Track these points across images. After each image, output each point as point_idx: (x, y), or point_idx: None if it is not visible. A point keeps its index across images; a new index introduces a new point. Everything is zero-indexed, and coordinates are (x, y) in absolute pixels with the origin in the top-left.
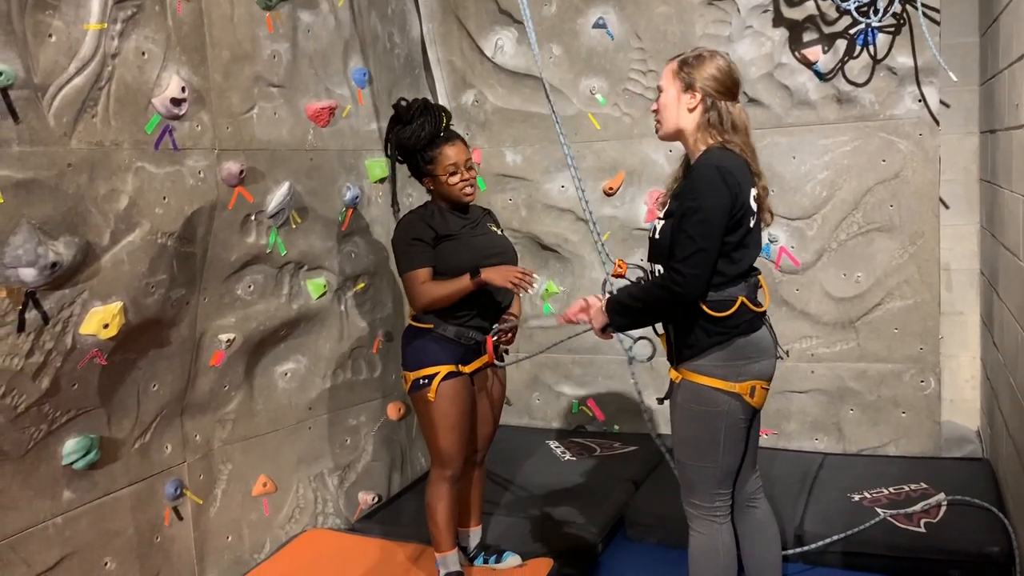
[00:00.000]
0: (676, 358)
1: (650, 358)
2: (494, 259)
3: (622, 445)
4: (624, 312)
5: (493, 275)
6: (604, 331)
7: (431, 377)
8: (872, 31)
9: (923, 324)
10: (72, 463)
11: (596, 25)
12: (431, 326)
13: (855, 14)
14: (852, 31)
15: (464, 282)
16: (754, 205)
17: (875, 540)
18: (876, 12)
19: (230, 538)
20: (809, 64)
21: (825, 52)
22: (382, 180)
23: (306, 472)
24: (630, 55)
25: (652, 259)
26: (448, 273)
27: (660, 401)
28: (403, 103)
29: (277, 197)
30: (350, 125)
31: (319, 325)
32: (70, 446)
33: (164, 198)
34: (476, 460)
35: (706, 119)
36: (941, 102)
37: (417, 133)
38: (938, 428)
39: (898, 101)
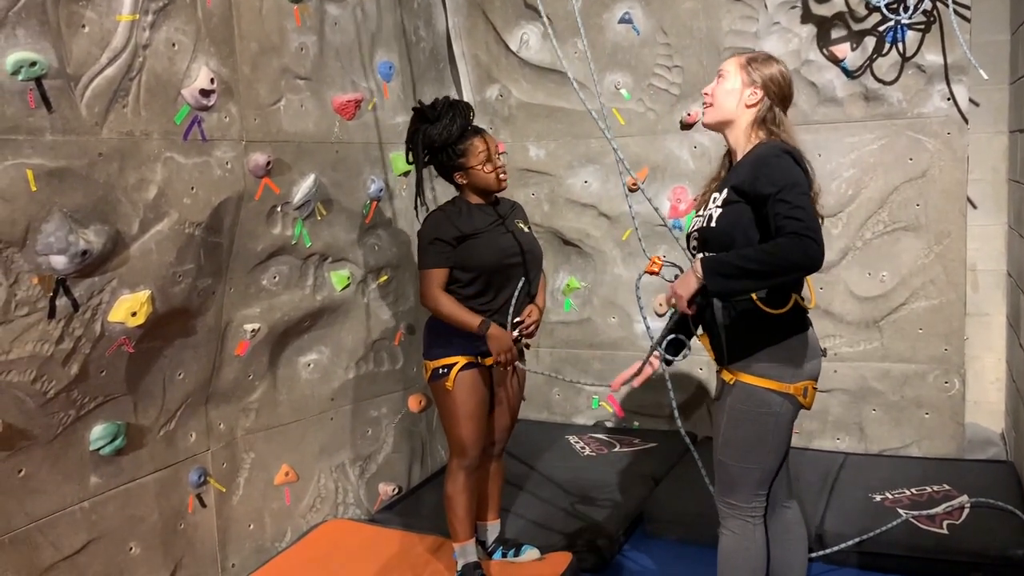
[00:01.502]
0: (727, 358)
1: (684, 356)
2: (516, 260)
3: (642, 441)
4: (734, 274)
5: (492, 341)
6: (691, 304)
7: (450, 367)
8: (902, 28)
9: (948, 325)
10: (99, 449)
11: (622, 20)
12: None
13: (885, 11)
14: (881, 28)
15: (471, 325)
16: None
17: (897, 541)
18: (906, 9)
19: (252, 526)
20: (837, 61)
21: (853, 49)
22: (406, 174)
23: (328, 462)
24: (656, 50)
25: (703, 249)
26: (470, 270)
27: (715, 400)
28: (423, 104)
29: (303, 189)
30: (376, 118)
31: (342, 317)
32: (97, 432)
33: (192, 188)
34: (494, 452)
35: (761, 117)
36: (971, 100)
37: (448, 128)
38: (962, 430)
39: (927, 99)
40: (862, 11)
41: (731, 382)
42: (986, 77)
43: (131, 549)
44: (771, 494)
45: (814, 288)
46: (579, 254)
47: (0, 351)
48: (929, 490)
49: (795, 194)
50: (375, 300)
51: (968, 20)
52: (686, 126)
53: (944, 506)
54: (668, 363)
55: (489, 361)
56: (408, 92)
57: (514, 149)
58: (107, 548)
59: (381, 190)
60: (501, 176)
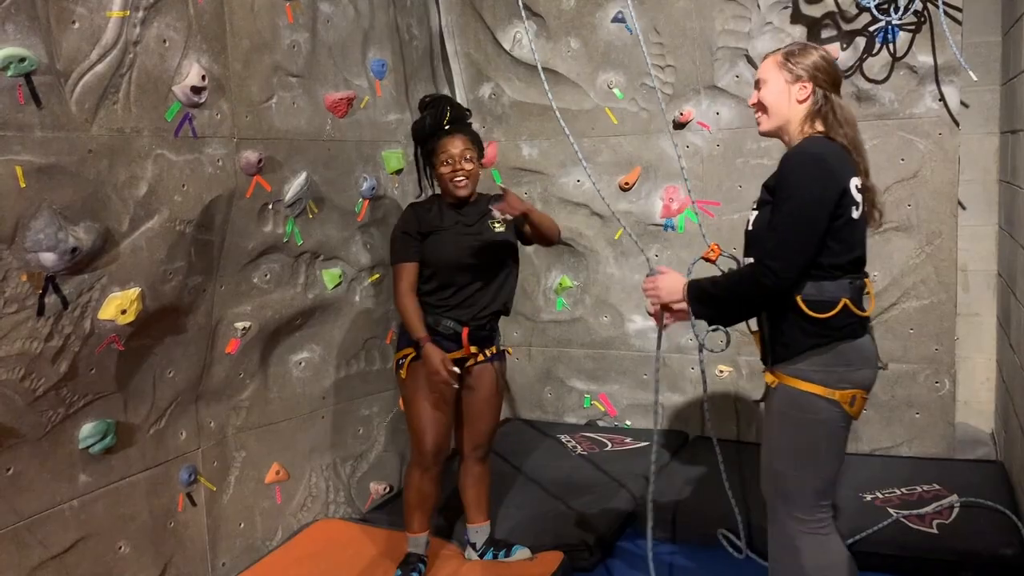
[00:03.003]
0: (771, 358)
1: (722, 350)
2: (475, 261)
3: (633, 440)
4: (706, 300)
5: (424, 359)
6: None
7: (406, 357)
8: (892, 29)
9: (939, 325)
10: (89, 447)
11: (615, 19)
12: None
13: (875, 11)
14: (872, 28)
15: (418, 334)
16: (857, 196)
17: (887, 540)
18: (897, 10)
19: (242, 525)
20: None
21: (844, 49)
22: (398, 172)
23: (319, 461)
24: (649, 49)
25: (747, 252)
26: (430, 266)
27: (758, 404)
28: (426, 96)
29: (294, 187)
30: (368, 116)
31: (334, 315)
32: (87, 430)
33: (183, 185)
34: (476, 456)
35: (815, 109)
36: (961, 102)
37: (421, 123)
38: (952, 429)
39: (918, 100)
40: (852, 11)
41: (774, 384)
42: (976, 79)
43: (120, 548)
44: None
45: None
46: (571, 253)
47: None
48: (919, 489)
49: (784, 211)
50: (367, 299)
51: (959, 22)
52: (679, 125)
53: (934, 506)
54: (701, 350)
55: (452, 356)
56: (401, 90)
57: (507, 148)
58: (96, 547)
59: (373, 188)
60: (457, 180)
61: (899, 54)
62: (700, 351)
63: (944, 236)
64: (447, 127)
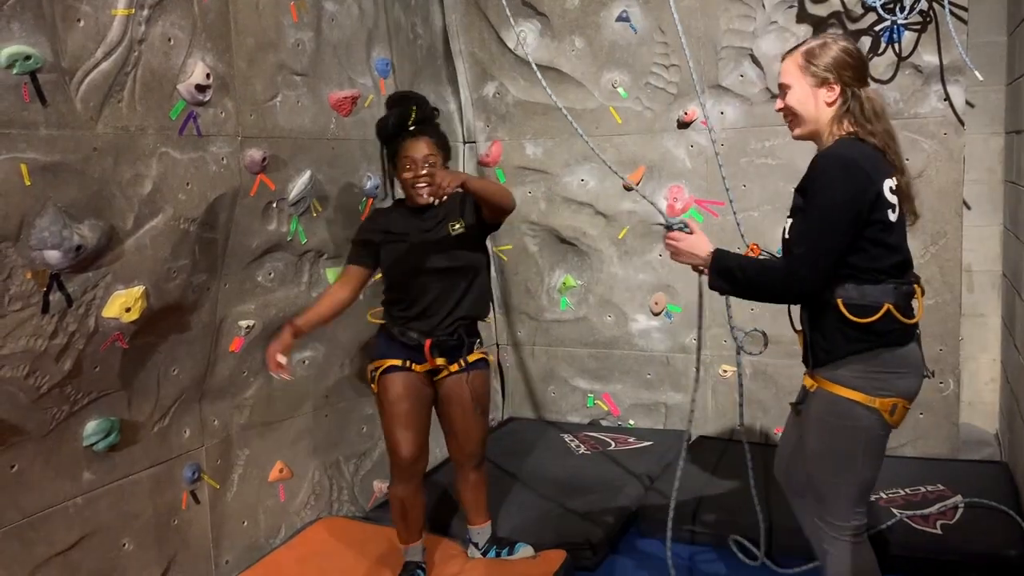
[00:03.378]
0: (811, 361)
1: (760, 352)
2: (430, 269)
3: (637, 440)
4: (725, 275)
5: (271, 344)
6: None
7: (378, 369)
8: (898, 28)
9: (943, 325)
10: (93, 444)
11: (619, 18)
12: (383, 322)
13: (881, 11)
14: (877, 28)
15: (294, 319)
16: (892, 197)
17: (891, 541)
18: (902, 9)
19: (246, 523)
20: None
21: None
22: None
23: (322, 459)
24: (653, 49)
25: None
26: (388, 277)
27: (793, 407)
28: (396, 92)
29: (298, 185)
30: (372, 115)
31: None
32: (91, 428)
33: (187, 184)
34: (470, 465)
35: (845, 109)
36: (967, 102)
37: (384, 121)
38: (956, 430)
39: (923, 100)
40: (858, 11)
41: (812, 389)
42: (981, 78)
43: (124, 545)
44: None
45: None
46: (575, 252)
47: None
48: (923, 490)
49: (810, 217)
50: (370, 297)
51: (965, 21)
52: (683, 125)
53: (938, 506)
54: (739, 352)
55: (420, 368)
56: (405, 89)
57: (511, 147)
58: (100, 544)
59: (377, 187)
60: (418, 186)
61: (904, 54)
62: (738, 353)
63: (949, 236)
64: (411, 128)
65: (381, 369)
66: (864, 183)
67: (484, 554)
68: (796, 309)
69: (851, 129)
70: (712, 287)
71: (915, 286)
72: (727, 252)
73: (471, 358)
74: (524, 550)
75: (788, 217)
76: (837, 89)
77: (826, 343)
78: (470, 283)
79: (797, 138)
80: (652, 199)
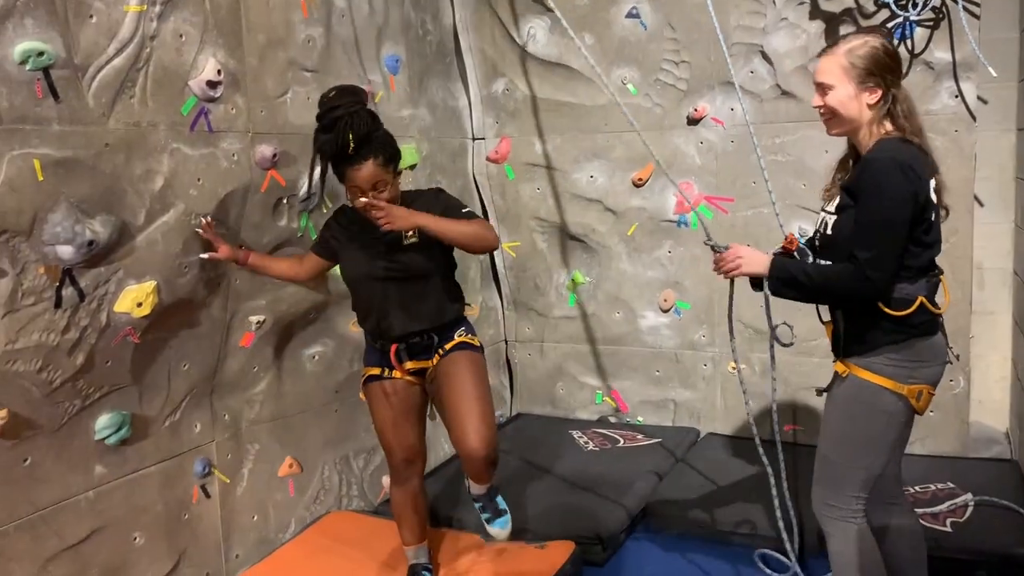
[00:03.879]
0: (843, 351)
1: (791, 343)
2: (382, 277)
3: (645, 437)
4: (790, 282)
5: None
6: (754, 285)
7: (362, 379)
8: (910, 25)
9: (954, 323)
10: (104, 438)
11: (629, 15)
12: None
13: (894, 7)
14: (890, 24)
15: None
16: (934, 197)
17: None
18: (915, 6)
19: (256, 517)
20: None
21: None
22: (412, 166)
23: (332, 454)
24: (663, 45)
25: (823, 255)
26: (346, 283)
27: (819, 393)
28: (329, 96)
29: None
30: (382, 111)
31: (347, 309)
32: (103, 422)
33: (198, 179)
34: (476, 468)
35: (886, 109)
36: (979, 98)
37: (323, 147)
38: (966, 428)
39: (934, 96)
40: (870, 7)
41: (844, 375)
42: (995, 74)
43: (135, 539)
44: (883, 492)
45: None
46: (584, 249)
47: (7, 340)
48: (933, 488)
49: (875, 219)
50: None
51: (977, 17)
52: (693, 121)
53: (948, 504)
54: (773, 344)
55: (397, 374)
56: (415, 85)
57: (520, 143)
58: (112, 538)
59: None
60: (371, 215)
61: (917, 50)
62: (772, 347)
63: (960, 233)
64: (351, 154)
65: (364, 378)
66: (918, 186)
67: (478, 509)
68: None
69: (890, 128)
70: (776, 294)
71: (940, 278)
72: (784, 259)
73: (449, 345)
74: (500, 528)
75: (829, 213)
76: (880, 91)
77: (861, 334)
78: (424, 291)
79: (833, 135)
80: (663, 196)
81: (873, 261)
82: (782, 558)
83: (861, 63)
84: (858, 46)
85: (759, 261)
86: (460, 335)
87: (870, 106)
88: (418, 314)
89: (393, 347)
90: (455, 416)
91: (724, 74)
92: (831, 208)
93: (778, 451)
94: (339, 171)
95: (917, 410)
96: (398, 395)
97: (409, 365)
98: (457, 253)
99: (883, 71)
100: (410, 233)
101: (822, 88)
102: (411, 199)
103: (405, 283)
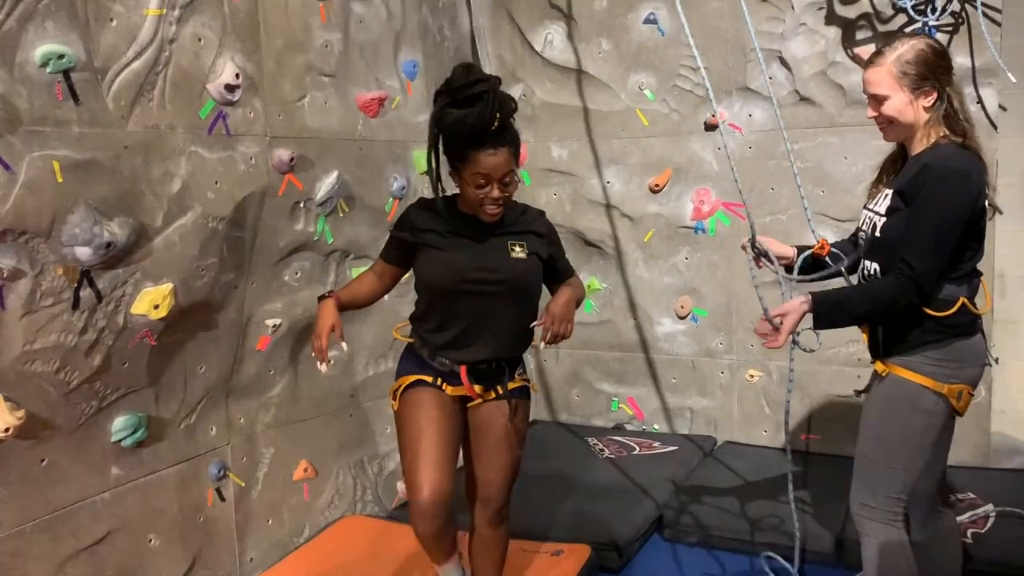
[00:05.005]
0: (883, 351)
1: (815, 350)
2: (475, 291)
3: (662, 445)
4: (836, 314)
5: (318, 317)
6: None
7: (400, 387)
8: (929, 30)
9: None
10: (121, 440)
11: (647, 20)
12: (412, 340)
13: (912, 12)
14: (908, 30)
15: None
16: (986, 203)
17: None
18: (934, 11)
19: (270, 521)
20: (863, 63)
21: None
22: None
23: (346, 459)
24: (681, 51)
25: (870, 256)
26: (421, 290)
27: (858, 394)
28: (463, 70)
29: (326, 185)
30: (399, 116)
31: (363, 313)
32: (119, 423)
33: (216, 182)
34: (486, 515)
35: (942, 112)
36: (999, 105)
37: (461, 122)
38: (987, 438)
39: None
40: (888, 12)
41: (884, 374)
42: (1015, 80)
43: (151, 541)
44: (927, 500)
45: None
46: (600, 255)
47: (25, 341)
48: (954, 498)
49: (931, 225)
50: (395, 297)
51: (998, 23)
52: (710, 127)
53: (969, 515)
54: (793, 348)
55: (454, 391)
56: (432, 91)
57: (537, 149)
58: (127, 539)
59: (404, 188)
60: (489, 209)
61: None
62: (792, 350)
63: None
64: (491, 133)
65: (405, 384)
66: (976, 196)
67: None
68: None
69: (945, 132)
70: (824, 328)
71: (981, 280)
72: (823, 293)
73: (512, 385)
74: None
75: (878, 214)
76: (935, 95)
77: (902, 334)
78: (519, 312)
79: (891, 140)
80: (679, 202)
81: (926, 272)
82: (785, 564)
83: (913, 68)
84: (906, 51)
85: (797, 308)
86: (521, 375)
87: (926, 109)
88: (502, 341)
89: (464, 368)
90: (483, 467)
91: (742, 80)
92: (880, 209)
93: (788, 458)
94: (463, 155)
95: (957, 410)
96: (444, 413)
97: (477, 389)
98: None
99: (935, 72)
100: (518, 248)
101: (876, 99)
102: (519, 210)
103: (501, 299)
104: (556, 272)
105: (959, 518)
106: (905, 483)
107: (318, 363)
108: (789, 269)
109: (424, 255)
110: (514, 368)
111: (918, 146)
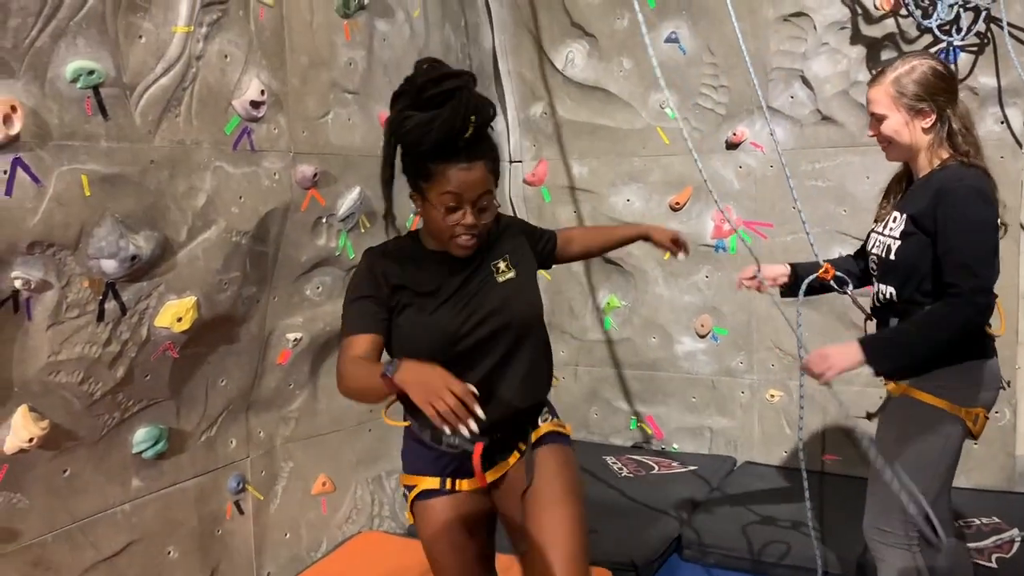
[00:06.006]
0: (897, 373)
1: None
2: (474, 343)
3: (681, 464)
4: (894, 352)
5: (411, 386)
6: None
7: (410, 488)
8: (954, 50)
9: (999, 353)
10: (142, 452)
11: (668, 39)
12: (408, 423)
13: (937, 32)
14: (933, 50)
15: (375, 379)
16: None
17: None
18: (959, 30)
19: (288, 535)
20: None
21: None
22: None
23: (364, 474)
24: (702, 70)
25: (885, 280)
26: (409, 355)
27: (870, 417)
28: (429, 65)
29: (348, 201)
30: None
31: None
32: (140, 435)
33: (240, 197)
34: None
35: (945, 132)
36: None
37: (425, 128)
38: (1013, 461)
39: (979, 122)
40: (913, 32)
41: (897, 394)
42: None
43: (169, 553)
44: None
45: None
46: (620, 273)
47: (51, 351)
48: (978, 522)
49: (974, 248)
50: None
51: (1023, 42)
52: (731, 146)
53: (993, 539)
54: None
55: (467, 485)
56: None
57: (557, 166)
58: (146, 551)
59: None
60: (462, 241)
61: (961, 76)
62: (803, 375)
63: (1005, 262)
64: (464, 143)
65: (415, 492)
66: (996, 213)
67: None
68: (872, 324)
69: (951, 152)
70: (889, 376)
71: (996, 301)
72: (875, 336)
73: (537, 434)
74: None
75: (892, 237)
76: (933, 116)
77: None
78: (531, 348)
79: (892, 160)
80: (701, 221)
81: (979, 288)
82: None
83: (910, 90)
84: (904, 72)
85: (849, 353)
86: (546, 419)
87: (925, 131)
88: (516, 390)
89: (479, 447)
90: (545, 548)
91: (764, 99)
92: (894, 232)
93: (803, 479)
94: (429, 170)
95: (974, 434)
96: (466, 526)
97: (489, 476)
98: None
99: (933, 94)
100: (502, 265)
101: (876, 118)
102: (503, 224)
103: (507, 344)
104: (547, 246)
105: (983, 543)
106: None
107: (459, 428)
108: (790, 287)
109: (401, 320)
110: (536, 415)
111: (924, 167)
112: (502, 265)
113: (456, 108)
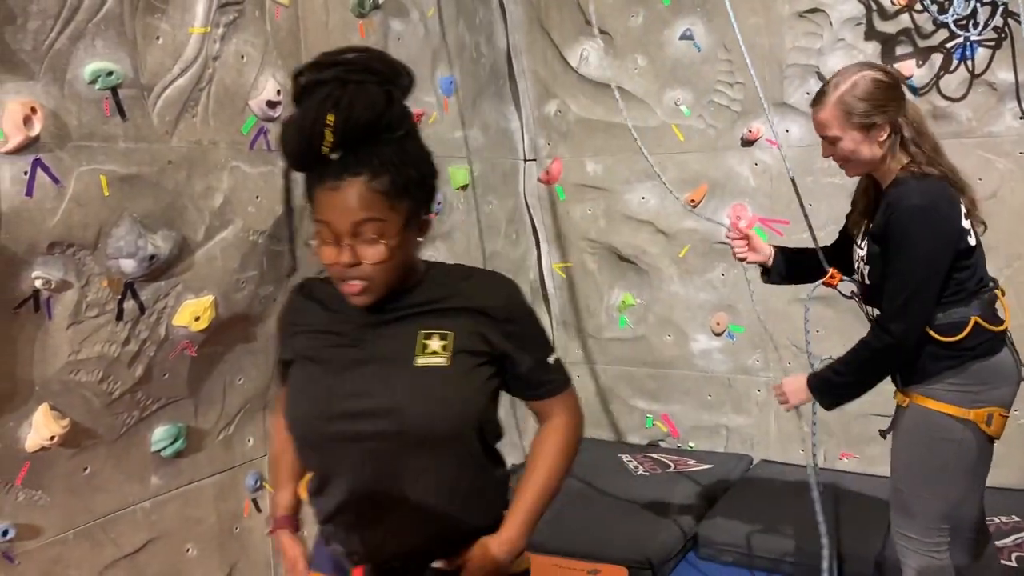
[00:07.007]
0: (901, 381)
1: (830, 357)
2: (346, 419)
3: (697, 463)
4: (832, 390)
5: (283, 547)
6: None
7: None
8: (971, 45)
9: (1019, 350)
10: (160, 450)
11: (683, 36)
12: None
13: (953, 27)
14: (949, 45)
15: (275, 505)
16: (967, 223)
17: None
18: (976, 25)
19: (304, 533)
20: (903, 79)
21: (920, 66)
22: (464, 187)
23: None
24: (717, 67)
25: (869, 302)
26: (287, 422)
27: (883, 434)
28: (326, 53)
29: None
30: (435, 132)
31: None
32: (159, 433)
33: (257, 197)
34: None
35: (896, 141)
36: None
37: (282, 139)
38: None
39: (997, 118)
40: (929, 28)
41: (905, 405)
42: None
43: (188, 550)
44: (967, 528)
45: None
46: (635, 271)
47: (70, 351)
48: (997, 521)
49: (901, 270)
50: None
51: None
52: (747, 143)
53: (1013, 538)
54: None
55: None
56: (468, 107)
57: (571, 164)
58: (165, 548)
59: (439, 203)
60: (342, 286)
61: (978, 71)
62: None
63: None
64: (332, 156)
65: None
66: (948, 230)
67: None
68: None
69: (907, 160)
70: (830, 408)
71: (996, 292)
72: (815, 374)
73: (464, 560)
74: None
75: (862, 260)
76: (887, 129)
77: (916, 365)
78: (439, 472)
79: (853, 176)
80: (716, 218)
81: (897, 314)
82: None
83: (859, 108)
84: (848, 90)
85: (800, 389)
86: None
87: (881, 143)
88: (418, 519)
89: (357, 570)
90: None
91: (779, 95)
92: (863, 254)
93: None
94: (308, 191)
95: (989, 435)
96: None
97: None
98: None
99: (882, 106)
100: (430, 344)
101: (828, 140)
102: (458, 276)
103: (400, 450)
104: (526, 383)
105: (1003, 541)
106: (944, 513)
107: None
108: (765, 269)
109: (293, 371)
110: (460, 545)
111: (885, 178)
112: (436, 342)
113: (307, 109)
